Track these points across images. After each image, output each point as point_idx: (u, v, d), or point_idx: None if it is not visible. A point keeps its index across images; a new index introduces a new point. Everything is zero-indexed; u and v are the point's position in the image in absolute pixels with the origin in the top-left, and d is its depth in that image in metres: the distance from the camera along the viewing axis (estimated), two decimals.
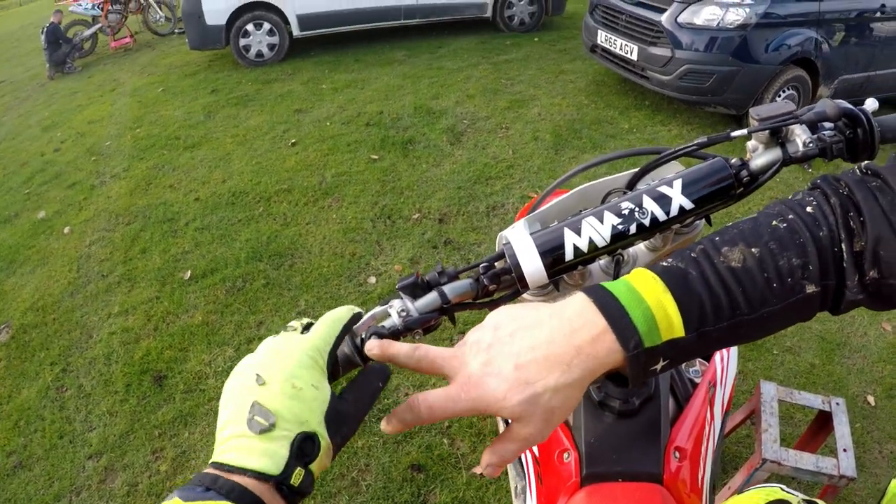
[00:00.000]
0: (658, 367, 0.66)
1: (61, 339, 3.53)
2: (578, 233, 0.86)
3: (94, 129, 6.64)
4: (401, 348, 0.69)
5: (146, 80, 8.10)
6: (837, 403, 2.35)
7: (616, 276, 0.99)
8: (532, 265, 0.85)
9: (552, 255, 0.86)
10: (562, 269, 0.88)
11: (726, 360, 1.28)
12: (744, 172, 0.91)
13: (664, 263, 0.70)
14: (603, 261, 1.07)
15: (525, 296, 1.03)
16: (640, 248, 1.09)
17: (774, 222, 0.72)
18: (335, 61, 7.85)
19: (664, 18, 5.91)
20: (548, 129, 5.76)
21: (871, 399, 3.15)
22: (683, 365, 1.25)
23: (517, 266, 0.86)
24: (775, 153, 0.93)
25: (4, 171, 6.19)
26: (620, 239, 0.86)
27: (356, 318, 0.76)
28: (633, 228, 0.86)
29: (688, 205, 0.86)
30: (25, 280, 4.16)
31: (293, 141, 5.45)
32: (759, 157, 0.94)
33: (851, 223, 0.71)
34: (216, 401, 2.89)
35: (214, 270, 3.81)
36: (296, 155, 5.18)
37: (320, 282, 3.67)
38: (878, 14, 6.58)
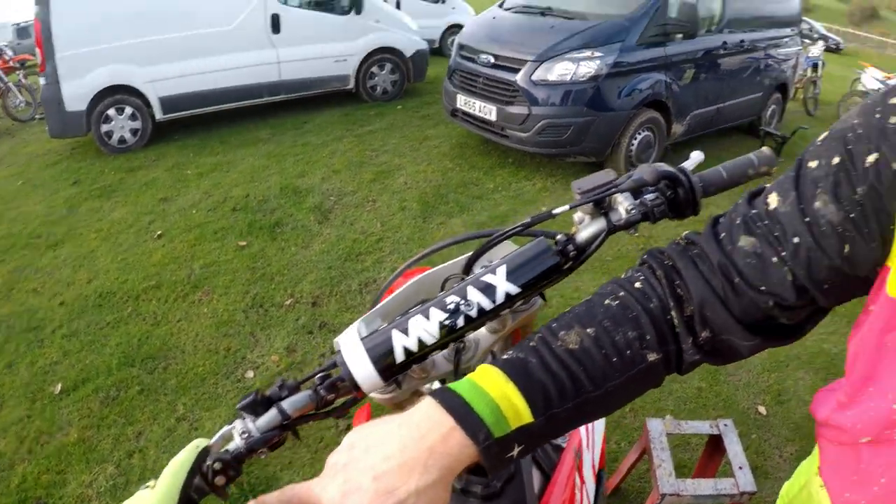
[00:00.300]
0: (514, 453, 0.70)
1: None
2: (406, 333, 0.86)
3: None
4: (269, 499, 0.69)
5: (5, 171, 7.84)
6: (725, 425, 2.48)
7: (457, 365, 1.02)
8: (363, 372, 0.85)
9: (383, 359, 0.85)
10: (396, 371, 0.88)
11: None
12: (570, 247, 0.93)
13: (505, 356, 0.75)
14: (445, 350, 1.02)
15: (373, 395, 1.01)
16: (482, 331, 1.08)
17: (607, 301, 0.80)
18: (200, 144, 7.84)
19: (519, 78, 6.24)
20: (414, 198, 5.96)
21: (762, 409, 3.41)
22: None
23: (349, 375, 0.86)
24: (600, 223, 0.95)
25: None
26: (450, 333, 0.86)
27: (204, 453, 0.78)
28: (460, 322, 0.86)
29: (513, 290, 0.87)
30: None
31: (159, 233, 5.43)
32: (585, 228, 0.96)
33: (679, 291, 0.80)
34: None
35: (86, 381, 3.75)
36: (162, 248, 5.17)
37: (197, 382, 3.67)
38: (721, 51, 7.11)
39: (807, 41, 13.52)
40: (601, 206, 0.95)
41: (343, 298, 4.42)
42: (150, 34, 7.69)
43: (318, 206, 5.79)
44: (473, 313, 0.86)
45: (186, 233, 5.39)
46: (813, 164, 0.74)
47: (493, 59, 6.54)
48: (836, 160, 0.71)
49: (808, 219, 0.72)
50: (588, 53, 6.08)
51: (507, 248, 1.00)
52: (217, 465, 0.79)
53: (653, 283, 0.81)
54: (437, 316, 0.85)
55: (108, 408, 3.55)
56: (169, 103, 7.99)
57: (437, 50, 13.87)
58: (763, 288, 0.75)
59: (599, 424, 1.39)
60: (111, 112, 7.65)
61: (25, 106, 10.68)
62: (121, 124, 7.73)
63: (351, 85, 9.33)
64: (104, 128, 7.66)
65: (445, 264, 1.04)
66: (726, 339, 0.79)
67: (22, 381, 3.85)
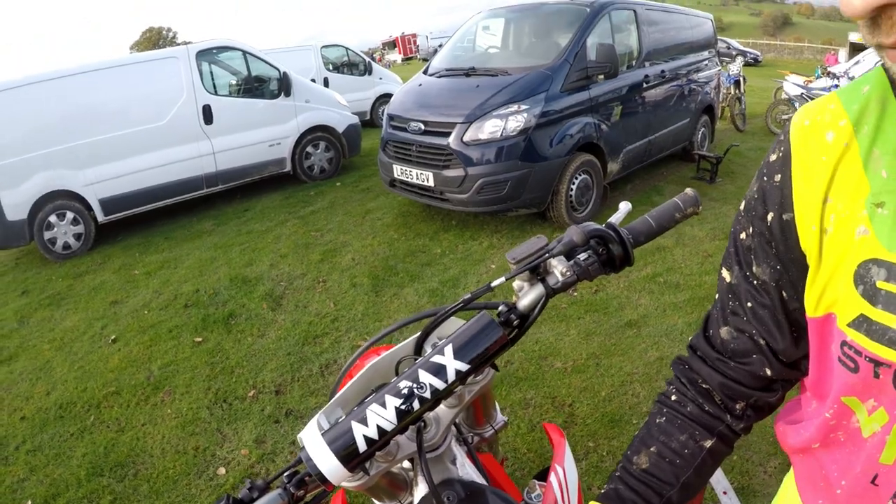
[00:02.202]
0: None
1: None
2: (365, 423, 0.88)
3: None
4: None
5: None
6: None
7: (420, 444, 1.02)
8: (329, 466, 0.87)
9: (345, 450, 0.87)
10: (360, 460, 0.89)
11: (562, 475, 1.27)
12: (513, 316, 0.97)
13: (603, 491, 0.98)
14: (408, 431, 1.04)
15: (343, 484, 1.02)
16: (441, 408, 1.12)
17: (658, 420, 1.01)
18: (144, 242, 7.86)
19: (451, 141, 6.33)
20: (364, 273, 6.03)
21: None
22: (525, 492, 1.30)
23: (315, 469, 0.87)
24: (538, 289, 0.99)
25: None
26: (407, 416, 0.89)
27: None
28: (416, 404, 0.88)
29: (463, 367, 0.90)
30: None
31: (113, 337, 5.44)
32: (525, 296, 0.99)
33: (703, 386, 1.00)
34: None
35: (56, 495, 3.73)
36: (118, 352, 5.18)
37: (169, 485, 3.66)
38: (645, 84, 7.32)
39: (726, 59, 14.02)
40: (537, 272, 1.01)
41: (306, 383, 4.46)
42: (83, 137, 7.77)
43: (270, 293, 5.84)
44: (427, 395, 0.89)
45: (141, 334, 5.40)
46: (742, 235, 0.91)
47: (423, 126, 6.66)
48: (751, 228, 0.89)
49: (754, 281, 0.90)
50: (515, 108, 6.22)
51: (454, 323, 1.05)
52: None
53: (683, 392, 1.02)
54: (393, 402, 0.88)
55: None
56: (109, 204, 8.02)
57: (369, 122, 14.21)
58: (747, 361, 0.94)
59: (572, 474, 1.32)
60: (52, 218, 7.64)
61: None
62: (63, 230, 7.72)
63: (288, 167, 9.47)
64: (47, 235, 7.64)
65: (397, 346, 1.08)
66: (756, 400, 0.97)
67: None
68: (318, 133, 9.64)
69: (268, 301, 5.70)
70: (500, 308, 0.99)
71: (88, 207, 7.88)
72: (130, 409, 4.43)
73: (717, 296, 0.99)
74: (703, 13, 9.67)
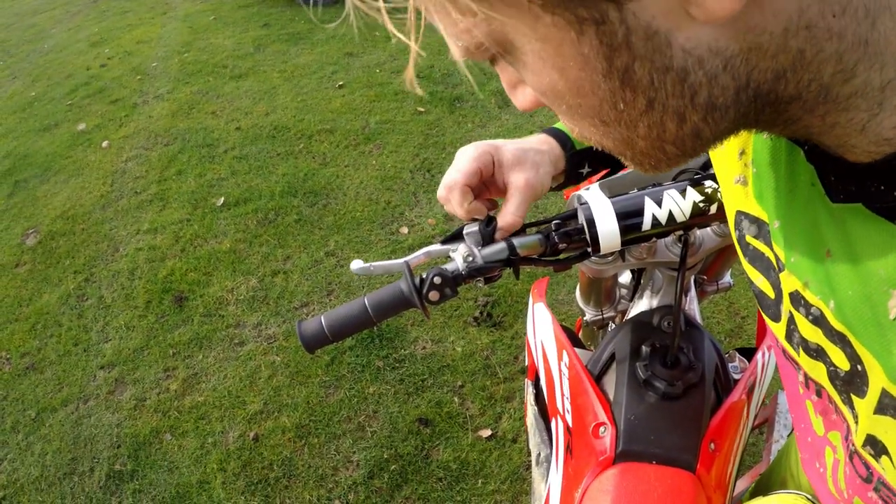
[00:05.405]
0: (584, 171, 0.94)
1: (87, 249, 3.51)
2: (659, 204, 0.84)
3: (142, 50, 6.59)
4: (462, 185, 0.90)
5: (199, 6, 8.01)
6: None
7: (683, 258, 0.98)
8: (608, 228, 0.83)
9: (629, 220, 0.83)
10: (635, 239, 0.85)
11: (766, 358, 1.24)
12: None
13: None
14: (669, 238, 1.06)
15: (587, 262, 1.04)
16: (708, 232, 1.08)
17: None
18: (392, 10, 7.67)
19: None
20: None
21: None
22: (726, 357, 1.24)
23: (592, 227, 0.83)
24: None
25: (49, 81, 6.17)
26: (699, 216, 0.84)
27: (408, 268, 0.86)
28: (713, 208, 0.84)
29: None
30: (58, 188, 4.14)
31: (341, 83, 5.33)
32: None
33: None
34: (234, 328, 2.88)
35: (248, 200, 3.74)
36: (342, 97, 5.07)
37: (352, 225, 3.57)
38: None
39: None
40: None
41: None
42: None
43: (501, 91, 5.49)
44: None
45: (367, 88, 5.25)
46: None
47: None
48: None
49: None
50: None
51: None
52: (437, 280, 0.80)
53: None
54: (693, 196, 0.84)
55: (263, 228, 3.53)
56: None
57: None
58: None
59: (771, 369, 1.28)
60: None
61: None
62: None
63: None
64: None
65: None
66: None
67: (188, 188, 3.88)
68: None
69: (497, 98, 5.36)
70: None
71: None
72: (339, 149, 4.33)
73: None
74: None
